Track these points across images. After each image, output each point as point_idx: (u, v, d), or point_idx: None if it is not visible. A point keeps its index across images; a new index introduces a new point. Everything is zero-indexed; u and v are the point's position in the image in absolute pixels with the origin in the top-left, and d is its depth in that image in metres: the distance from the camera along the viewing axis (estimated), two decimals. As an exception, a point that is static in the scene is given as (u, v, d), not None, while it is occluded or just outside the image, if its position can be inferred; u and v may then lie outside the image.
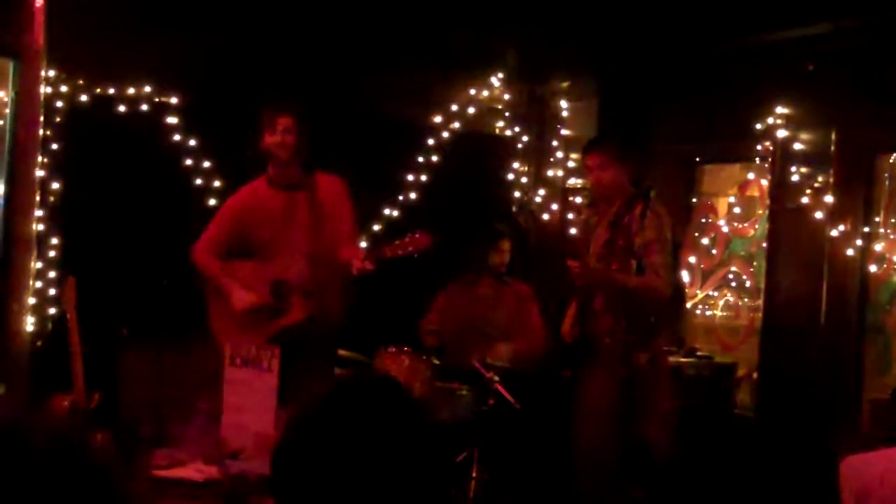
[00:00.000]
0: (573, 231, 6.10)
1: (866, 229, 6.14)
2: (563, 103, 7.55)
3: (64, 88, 6.49)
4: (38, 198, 6.30)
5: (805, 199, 6.27)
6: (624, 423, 5.27)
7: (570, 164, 7.52)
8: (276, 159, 5.62)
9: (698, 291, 7.37)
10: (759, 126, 6.47)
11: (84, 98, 6.57)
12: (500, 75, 7.50)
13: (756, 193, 7.07)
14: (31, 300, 6.27)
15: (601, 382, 5.30)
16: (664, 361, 5.59)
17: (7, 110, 6.40)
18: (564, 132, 7.54)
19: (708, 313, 7.33)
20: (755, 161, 6.84)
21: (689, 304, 7.29)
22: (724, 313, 7.24)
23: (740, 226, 7.19)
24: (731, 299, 7.22)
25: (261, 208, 5.69)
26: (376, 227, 7.08)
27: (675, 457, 5.51)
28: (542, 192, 7.59)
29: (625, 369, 5.26)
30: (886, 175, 6.25)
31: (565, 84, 7.57)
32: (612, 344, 5.30)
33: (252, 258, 5.72)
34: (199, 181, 6.75)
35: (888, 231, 6.17)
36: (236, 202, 5.84)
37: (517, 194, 7.66)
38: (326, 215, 5.60)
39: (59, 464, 1.61)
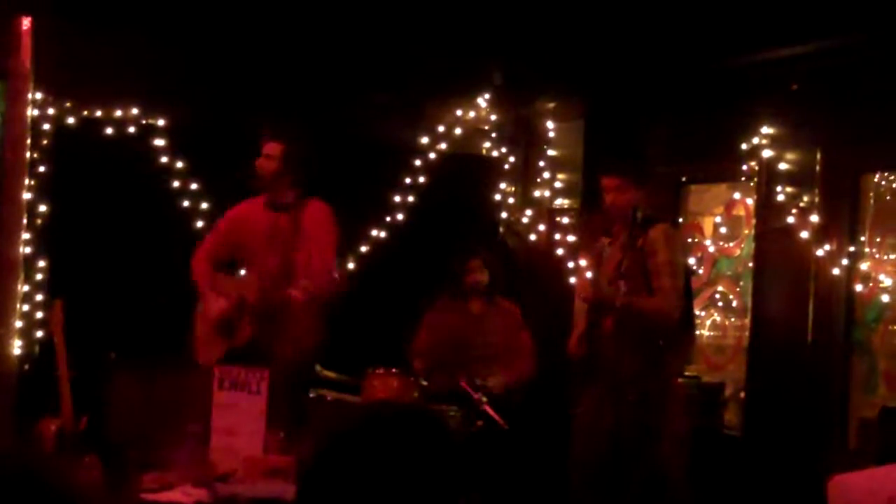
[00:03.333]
0: (581, 258, 6.17)
1: (852, 249, 6.16)
2: (550, 124, 7.57)
3: (51, 111, 6.49)
4: (24, 220, 6.29)
5: (791, 219, 6.29)
6: (631, 446, 5.27)
7: (557, 184, 7.53)
8: (261, 182, 5.76)
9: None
10: (744, 146, 6.50)
11: (71, 120, 6.58)
12: (487, 96, 7.52)
13: (742, 213, 7.10)
14: (18, 323, 6.25)
15: (607, 404, 5.31)
16: (675, 385, 5.60)
17: (-6, 132, 6.41)
18: (551, 153, 7.55)
19: (695, 333, 7.34)
20: (741, 181, 6.86)
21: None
22: (711, 333, 7.25)
23: (726, 245, 7.21)
24: (718, 319, 7.23)
25: (249, 224, 5.89)
26: (363, 249, 7.08)
27: (686, 480, 5.51)
28: (529, 212, 7.60)
29: (634, 393, 5.27)
30: (871, 194, 6.28)
31: (552, 105, 7.59)
32: (621, 367, 5.31)
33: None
34: (186, 203, 6.75)
35: (873, 250, 6.19)
36: (232, 215, 6.05)
37: (504, 215, 7.67)
38: (304, 241, 5.70)
39: (20, 494, 1.61)
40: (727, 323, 7.17)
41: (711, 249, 7.28)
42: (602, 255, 5.64)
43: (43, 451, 4.61)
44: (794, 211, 6.30)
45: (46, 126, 6.46)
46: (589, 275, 5.66)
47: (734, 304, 7.12)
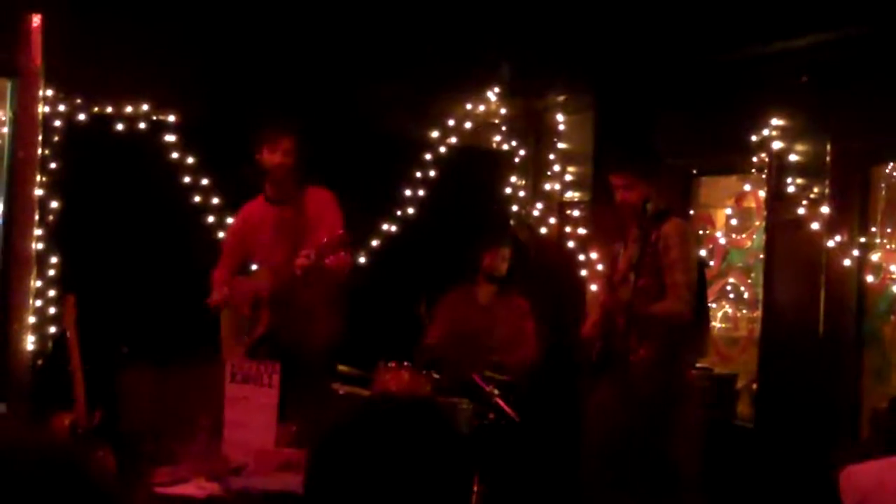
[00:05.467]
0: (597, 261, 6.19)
1: (863, 240, 6.14)
2: (560, 117, 7.57)
3: (62, 107, 6.51)
4: (37, 217, 6.32)
5: (801, 211, 6.28)
6: (643, 440, 5.28)
7: (568, 177, 7.53)
8: (273, 177, 5.79)
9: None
10: (754, 138, 6.49)
11: (82, 117, 6.59)
12: (497, 90, 7.51)
13: (753, 205, 7.09)
14: (32, 319, 6.27)
15: (620, 398, 5.32)
16: (688, 378, 5.61)
17: (5, 130, 6.44)
18: (561, 146, 7.56)
19: (709, 326, 7.33)
20: (751, 173, 6.85)
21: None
22: (723, 325, 7.25)
23: (737, 237, 7.20)
24: (730, 311, 7.23)
25: (255, 225, 5.96)
26: (374, 243, 7.09)
27: (700, 473, 5.52)
28: (539, 205, 7.60)
29: (647, 387, 5.28)
30: (882, 185, 6.27)
31: (562, 98, 7.59)
32: (635, 362, 5.32)
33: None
34: (197, 198, 6.76)
35: (884, 241, 6.18)
36: (239, 221, 6.14)
37: (515, 208, 7.67)
38: (310, 228, 5.72)
39: (56, 482, 1.62)
40: (739, 315, 7.17)
41: (722, 241, 7.28)
42: (617, 257, 5.67)
43: (68, 441, 4.62)
44: (804, 202, 6.29)
45: (57, 123, 6.47)
46: (600, 267, 5.67)
47: (745, 295, 7.12)
